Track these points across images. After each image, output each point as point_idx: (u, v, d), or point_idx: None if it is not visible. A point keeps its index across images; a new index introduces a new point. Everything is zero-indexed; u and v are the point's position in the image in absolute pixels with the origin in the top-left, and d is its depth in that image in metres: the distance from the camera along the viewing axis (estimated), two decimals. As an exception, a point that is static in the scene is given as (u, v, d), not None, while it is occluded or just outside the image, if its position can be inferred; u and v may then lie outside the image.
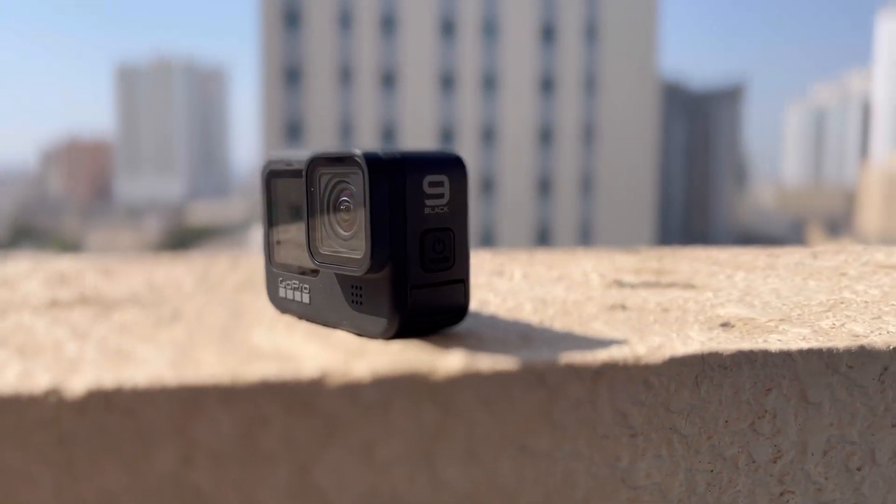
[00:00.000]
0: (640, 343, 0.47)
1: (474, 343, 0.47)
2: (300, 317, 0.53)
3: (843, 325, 0.53)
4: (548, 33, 31.81)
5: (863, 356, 0.47)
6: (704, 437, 0.45)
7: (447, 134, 31.27)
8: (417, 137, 30.76)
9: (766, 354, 0.46)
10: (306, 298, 0.52)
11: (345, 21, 30.23)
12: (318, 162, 0.48)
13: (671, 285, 0.70)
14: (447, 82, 31.23)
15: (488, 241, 31.54)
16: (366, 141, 30.35)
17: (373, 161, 0.44)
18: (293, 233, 0.53)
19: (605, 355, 0.44)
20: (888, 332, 0.50)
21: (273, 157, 0.54)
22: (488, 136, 31.71)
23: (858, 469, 0.48)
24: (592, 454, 0.44)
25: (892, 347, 0.48)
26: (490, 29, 31.29)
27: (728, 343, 0.47)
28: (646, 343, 0.47)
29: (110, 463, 0.38)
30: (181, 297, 0.62)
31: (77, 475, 0.38)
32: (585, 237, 32.63)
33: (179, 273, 0.75)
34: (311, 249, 0.49)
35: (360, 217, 0.45)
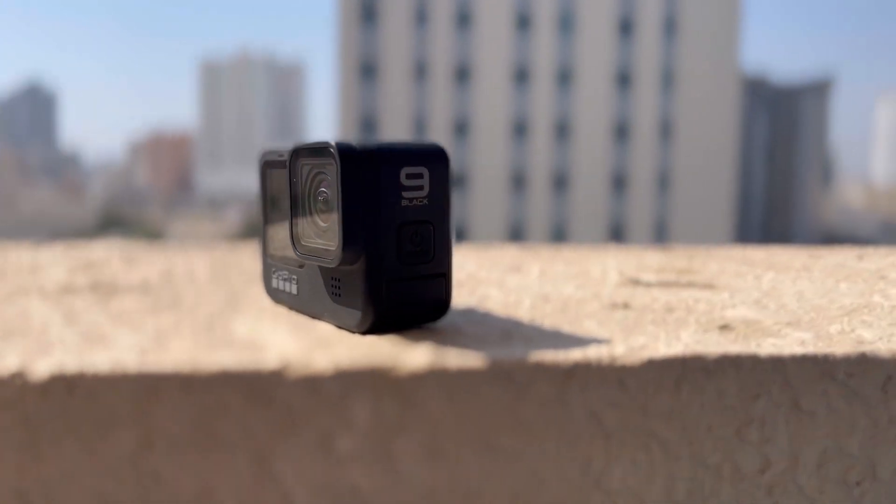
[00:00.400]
0: (623, 343, 0.45)
1: (451, 339, 0.46)
2: (290, 307, 0.53)
3: (853, 330, 0.50)
4: (625, 27, 31.25)
5: (864, 364, 0.44)
6: (685, 443, 0.43)
7: (520, 129, 31.11)
8: (491, 133, 30.70)
9: (754, 359, 0.44)
10: (294, 289, 0.52)
11: (420, 16, 30.39)
12: (299, 153, 0.48)
13: (689, 285, 0.68)
14: (521, 77, 31.04)
15: (560, 238, 31.24)
16: (439, 136, 30.45)
17: (346, 152, 0.44)
18: (283, 224, 0.53)
19: (578, 355, 0.43)
20: (898, 340, 0.47)
21: (269, 148, 0.55)
22: (562, 131, 31.38)
23: (857, 483, 0.45)
24: (563, 455, 0.42)
25: (897, 355, 0.45)
26: (566, 23, 30.94)
27: (714, 346, 0.45)
28: (629, 343, 0.45)
29: (72, 444, 0.39)
30: (188, 285, 0.63)
31: (40, 455, 0.39)
32: (660, 236, 31.98)
33: (199, 262, 0.76)
34: (294, 240, 0.49)
35: (336, 209, 0.45)
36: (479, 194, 30.90)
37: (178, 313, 0.52)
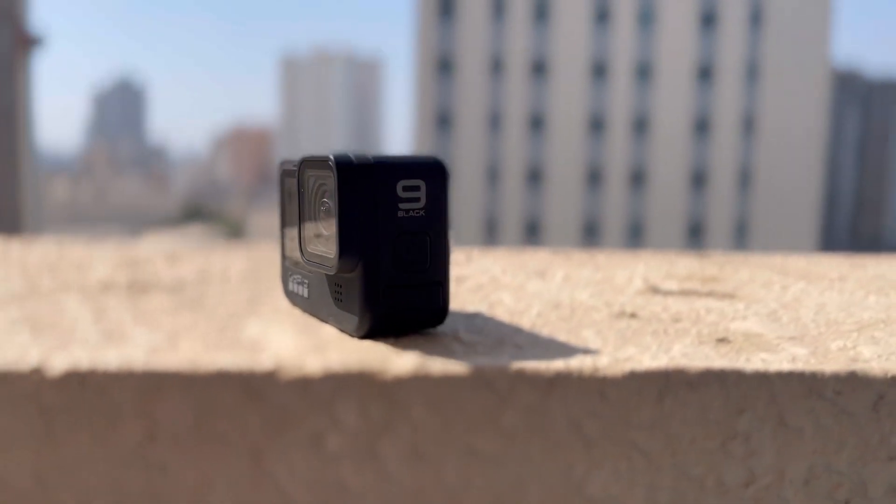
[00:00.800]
0: (609, 354, 0.46)
1: (443, 345, 0.47)
2: (303, 310, 0.56)
3: (854, 346, 0.49)
4: (708, 19, 30.45)
5: (853, 382, 0.44)
6: (668, 455, 0.44)
7: (597, 124, 30.71)
8: (567, 128, 30.41)
9: (738, 374, 0.44)
10: (306, 293, 0.55)
11: (498, 10, 30.31)
12: (306, 164, 0.50)
13: (709, 294, 0.67)
14: (600, 72, 30.62)
15: (637, 236, 30.74)
16: (515, 131, 30.34)
17: (343, 165, 0.46)
18: (295, 230, 0.55)
19: (560, 365, 0.44)
20: (898, 358, 0.47)
21: (287, 158, 0.57)
22: (641, 126, 30.84)
23: (846, 502, 0.45)
24: (544, 461, 0.44)
25: (890, 375, 0.44)
26: (646, 16, 30.36)
27: (701, 360, 0.45)
28: (615, 354, 0.46)
29: (84, 434, 0.42)
30: (218, 285, 0.67)
31: (55, 443, 0.42)
32: (741, 236, 31.10)
33: (237, 261, 0.80)
34: (301, 247, 0.51)
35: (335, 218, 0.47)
36: (555, 191, 30.68)
37: (198, 313, 0.56)
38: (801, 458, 0.44)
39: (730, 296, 0.67)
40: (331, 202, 0.48)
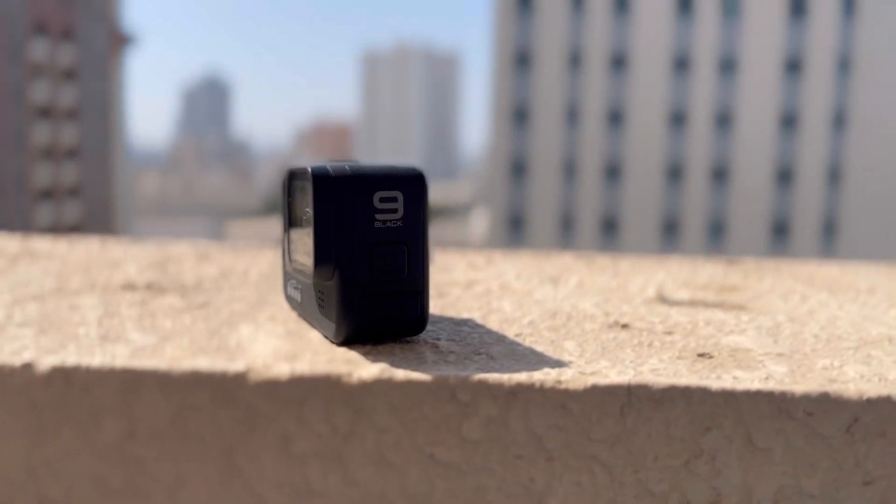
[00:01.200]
0: (582, 367, 0.46)
1: (417, 353, 0.48)
2: (298, 314, 0.58)
3: (840, 366, 0.48)
4: (797, 9, 29.33)
5: (826, 403, 0.43)
6: (630, 471, 0.44)
7: (678, 119, 30.00)
8: (647, 123, 29.82)
9: (704, 391, 0.43)
10: (299, 297, 0.57)
11: (577, 2, 29.92)
12: (292, 175, 0.52)
13: (718, 305, 0.66)
14: (682, 65, 29.89)
15: (718, 234, 29.93)
16: (592, 126, 29.95)
17: (319, 176, 0.47)
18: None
19: (523, 376, 0.44)
20: (882, 380, 0.45)
21: (291, 166, 0.59)
22: (724, 121, 29.97)
23: (818, 525, 0.44)
24: (505, 472, 0.44)
25: (865, 397, 0.43)
26: (731, 6, 29.46)
27: (668, 376, 0.45)
28: (586, 367, 0.46)
29: (70, 429, 0.45)
30: (233, 286, 0.70)
31: (45, 436, 0.45)
32: (829, 234, 29.89)
33: (261, 261, 0.83)
34: (290, 255, 0.53)
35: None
36: (633, 187, 30.14)
37: (199, 314, 0.58)
38: (770, 479, 0.44)
39: (739, 307, 0.66)
40: (310, 211, 0.49)
